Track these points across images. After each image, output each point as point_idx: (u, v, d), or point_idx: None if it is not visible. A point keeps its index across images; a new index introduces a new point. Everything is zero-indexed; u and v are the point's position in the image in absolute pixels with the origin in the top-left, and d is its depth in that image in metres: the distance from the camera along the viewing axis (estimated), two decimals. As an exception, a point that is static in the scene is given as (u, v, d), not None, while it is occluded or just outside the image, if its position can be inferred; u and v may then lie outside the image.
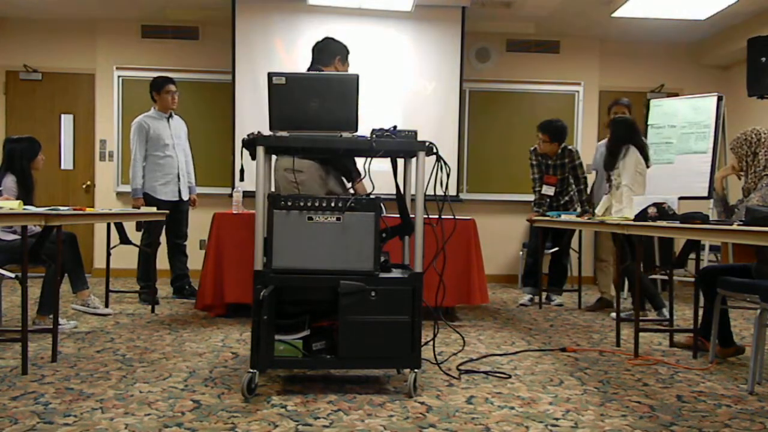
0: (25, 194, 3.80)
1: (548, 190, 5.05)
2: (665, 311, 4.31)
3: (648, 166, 4.39)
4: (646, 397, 2.63)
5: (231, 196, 4.91)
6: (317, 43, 3.78)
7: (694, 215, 2.88)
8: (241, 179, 2.85)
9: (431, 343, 3.07)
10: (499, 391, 2.68)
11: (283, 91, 2.58)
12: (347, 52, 3.80)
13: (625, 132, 4.40)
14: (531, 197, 5.30)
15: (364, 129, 2.64)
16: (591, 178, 5.33)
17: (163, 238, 4.98)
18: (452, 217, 4.14)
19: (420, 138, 2.64)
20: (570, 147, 5.11)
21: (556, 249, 5.18)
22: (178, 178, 4.96)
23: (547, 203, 5.08)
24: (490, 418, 2.34)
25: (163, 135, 4.89)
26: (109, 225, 4.48)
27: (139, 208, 4.66)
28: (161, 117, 4.94)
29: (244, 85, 6.23)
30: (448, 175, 2.60)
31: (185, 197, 5.04)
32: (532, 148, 5.15)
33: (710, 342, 3.27)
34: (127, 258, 4.95)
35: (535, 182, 5.15)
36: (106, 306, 4.44)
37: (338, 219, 2.54)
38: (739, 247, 5.26)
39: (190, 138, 5.24)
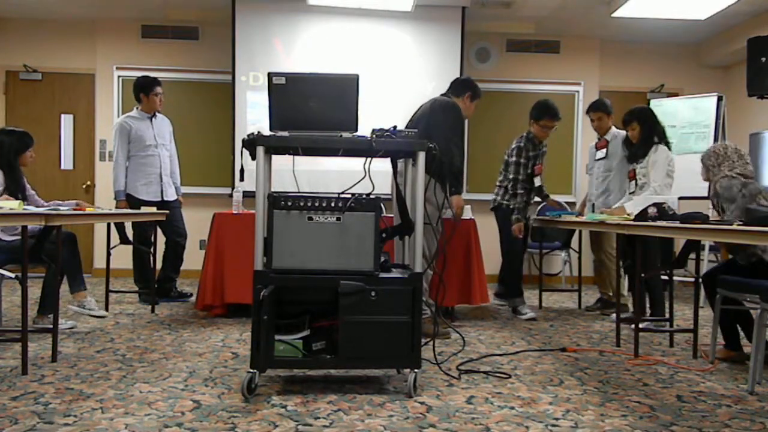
0: (15, 187, 3.77)
1: (538, 181, 4.71)
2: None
3: None
4: (646, 397, 2.63)
5: (231, 196, 4.91)
6: (458, 78, 4.30)
7: (694, 215, 2.88)
8: (241, 179, 2.85)
9: (431, 343, 3.07)
10: (499, 391, 2.68)
11: (283, 91, 2.59)
12: (480, 95, 4.17)
13: (655, 122, 4.32)
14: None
15: (364, 129, 2.64)
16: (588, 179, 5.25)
17: (161, 241, 4.95)
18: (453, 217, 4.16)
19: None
20: None
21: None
22: (161, 178, 4.91)
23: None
24: (490, 418, 2.34)
25: (146, 135, 4.84)
26: (109, 225, 4.48)
27: None
28: (144, 117, 4.89)
29: (244, 85, 6.24)
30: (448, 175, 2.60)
31: (169, 197, 4.95)
32: (522, 144, 4.64)
33: (735, 352, 3.29)
34: (127, 258, 4.94)
35: (524, 182, 4.61)
36: (106, 307, 4.43)
37: (338, 219, 2.54)
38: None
39: (180, 137, 5.18)
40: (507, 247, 4.73)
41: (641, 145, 4.32)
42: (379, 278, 2.56)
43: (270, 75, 2.59)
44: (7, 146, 3.81)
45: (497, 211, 4.79)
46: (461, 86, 4.13)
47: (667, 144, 4.34)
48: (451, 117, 3.85)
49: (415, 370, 2.60)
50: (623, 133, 4.58)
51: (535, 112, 4.66)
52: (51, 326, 3.11)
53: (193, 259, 5.39)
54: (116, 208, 4.80)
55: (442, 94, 4.13)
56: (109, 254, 4.53)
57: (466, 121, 6.57)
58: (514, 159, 4.66)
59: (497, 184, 4.82)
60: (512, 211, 4.62)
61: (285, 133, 2.61)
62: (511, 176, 4.65)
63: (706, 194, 5.26)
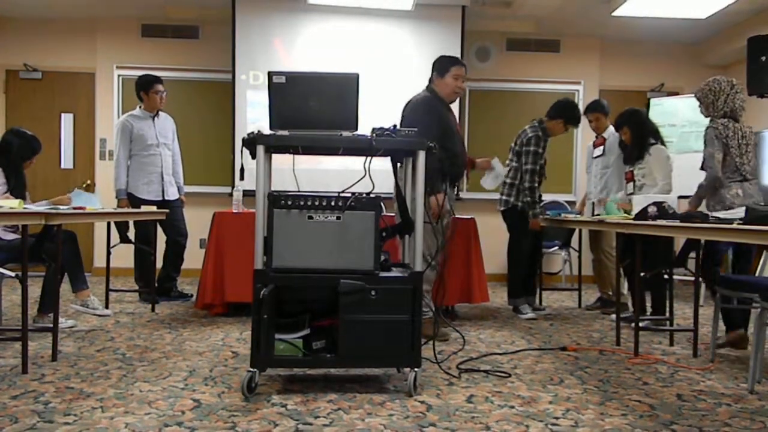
0: (20, 188, 3.77)
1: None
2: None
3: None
4: (646, 396, 2.63)
5: (231, 195, 4.91)
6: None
7: (694, 214, 2.88)
8: (241, 178, 2.85)
9: (431, 342, 3.07)
10: (499, 390, 2.68)
11: (283, 90, 2.58)
12: (450, 63, 3.83)
13: (646, 123, 4.31)
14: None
15: (364, 128, 2.64)
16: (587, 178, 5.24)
17: (161, 240, 4.95)
18: (452, 216, 4.15)
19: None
20: None
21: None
22: (162, 177, 4.90)
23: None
24: (490, 417, 2.34)
25: (148, 134, 4.83)
26: (109, 224, 4.48)
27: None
28: (146, 116, 4.87)
29: (244, 84, 6.24)
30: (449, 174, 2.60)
31: (170, 197, 4.93)
32: (539, 133, 4.51)
33: (736, 332, 3.38)
34: (127, 257, 4.95)
35: (537, 173, 4.53)
36: (106, 306, 4.44)
37: (338, 218, 2.54)
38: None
39: (180, 136, 5.17)
40: (514, 247, 4.66)
41: (635, 147, 4.28)
42: (379, 277, 2.56)
43: (270, 74, 2.59)
44: (16, 148, 3.81)
45: (510, 213, 4.60)
46: (432, 73, 3.90)
47: (663, 143, 4.33)
48: (420, 116, 3.69)
49: (415, 369, 2.60)
50: None
51: (566, 115, 4.57)
52: (51, 325, 3.11)
53: (193, 258, 5.39)
54: (118, 207, 4.81)
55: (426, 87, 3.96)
56: (109, 253, 4.53)
57: (465, 121, 6.63)
58: (532, 148, 4.46)
59: (506, 181, 4.62)
60: (524, 211, 4.51)
61: (285, 132, 2.61)
62: (528, 167, 4.45)
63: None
